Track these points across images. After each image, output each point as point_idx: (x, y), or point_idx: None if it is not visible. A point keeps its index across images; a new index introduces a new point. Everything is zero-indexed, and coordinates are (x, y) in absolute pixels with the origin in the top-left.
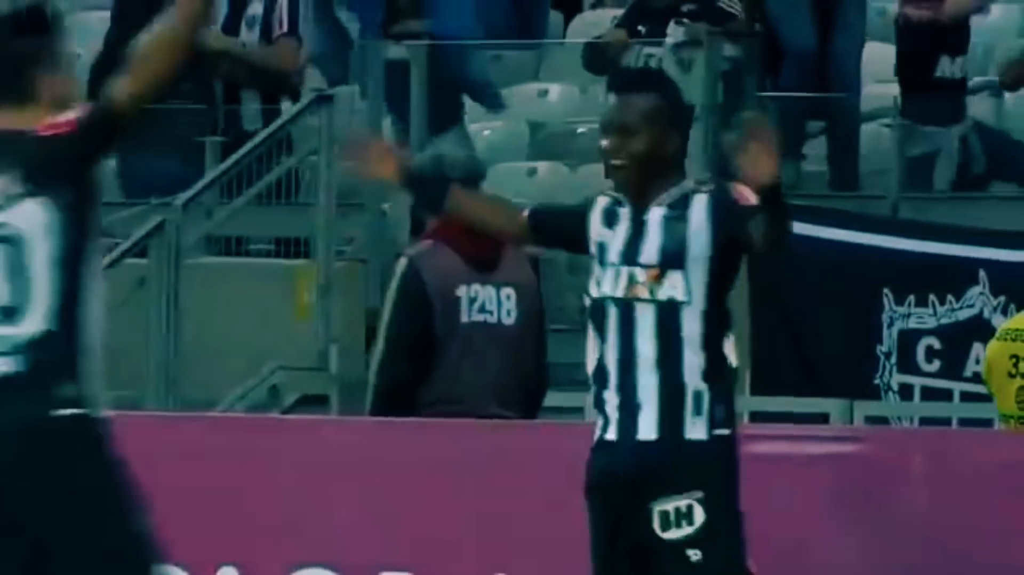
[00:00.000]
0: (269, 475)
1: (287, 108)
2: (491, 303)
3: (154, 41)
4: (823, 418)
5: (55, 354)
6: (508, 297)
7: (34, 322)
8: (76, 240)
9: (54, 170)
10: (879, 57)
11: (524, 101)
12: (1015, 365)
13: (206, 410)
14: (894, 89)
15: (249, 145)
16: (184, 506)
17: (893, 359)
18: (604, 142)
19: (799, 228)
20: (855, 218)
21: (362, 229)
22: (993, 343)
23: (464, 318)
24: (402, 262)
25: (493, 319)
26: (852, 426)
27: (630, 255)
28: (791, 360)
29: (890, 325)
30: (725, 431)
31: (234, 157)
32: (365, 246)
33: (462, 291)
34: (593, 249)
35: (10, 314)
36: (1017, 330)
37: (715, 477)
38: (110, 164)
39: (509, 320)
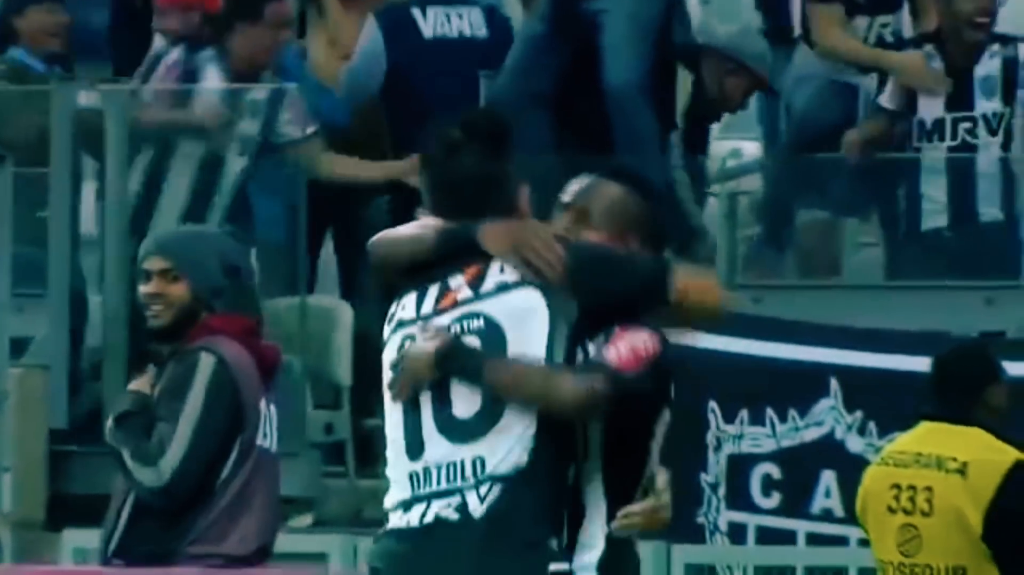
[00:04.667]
0: None
1: None
2: (272, 425)
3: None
4: None
5: (531, 488)
6: (274, 418)
7: (501, 444)
8: None
9: None
10: None
11: None
12: (896, 497)
13: None
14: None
15: None
16: None
17: (721, 492)
18: (556, 219)
19: None
20: None
21: (46, 325)
22: (872, 470)
23: (259, 440)
24: (208, 359)
25: (267, 444)
26: None
27: None
28: None
29: (717, 448)
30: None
31: None
32: (50, 348)
33: (263, 406)
34: None
35: (466, 430)
36: (902, 453)
37: None
38: None
39: (274, 447)
